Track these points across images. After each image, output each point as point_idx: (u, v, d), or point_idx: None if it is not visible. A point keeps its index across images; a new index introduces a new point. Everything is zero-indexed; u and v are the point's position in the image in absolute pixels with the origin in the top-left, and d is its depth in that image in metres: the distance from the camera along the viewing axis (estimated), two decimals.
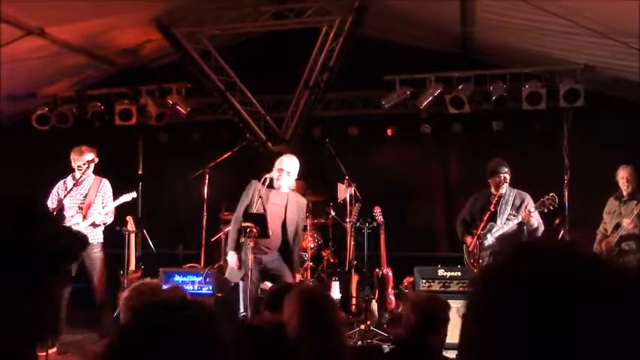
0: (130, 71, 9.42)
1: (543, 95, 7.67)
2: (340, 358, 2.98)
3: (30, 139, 9.16)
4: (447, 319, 3.44)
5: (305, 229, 6.43)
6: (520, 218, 6.19)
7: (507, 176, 6.37)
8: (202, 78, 8.35)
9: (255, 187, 5.97)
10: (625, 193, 6.72)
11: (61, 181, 6.71)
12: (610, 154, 7.44)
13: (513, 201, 6.34)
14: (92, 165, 6.62)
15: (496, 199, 6.31)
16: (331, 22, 7.79)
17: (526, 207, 6.27)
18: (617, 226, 6.63)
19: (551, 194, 6.18)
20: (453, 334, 5.51)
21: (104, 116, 8.93)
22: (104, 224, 6.71)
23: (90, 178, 6.68)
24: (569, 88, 7.56)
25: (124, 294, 3.55)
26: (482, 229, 6.31)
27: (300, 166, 6.16)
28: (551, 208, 6.22)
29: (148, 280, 4.06)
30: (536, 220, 6.19)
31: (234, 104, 8.44)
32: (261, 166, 6.68)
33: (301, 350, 2.88)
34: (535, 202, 6.28)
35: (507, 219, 6.28)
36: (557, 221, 7.40)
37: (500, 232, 6.26)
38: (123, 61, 9.17)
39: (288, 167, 6.00)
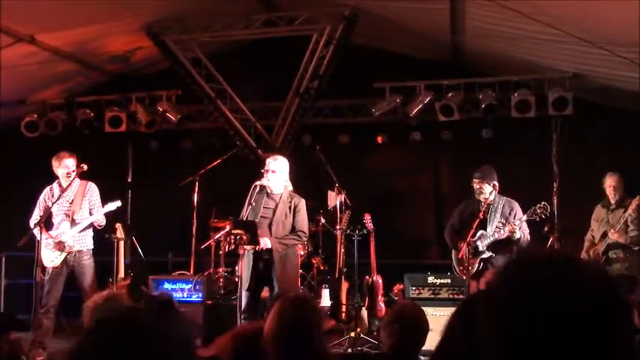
0: (120, 78, 9.40)
1: (532, 103, 7.72)
2: None
3: (19, 146, 9.11)
4: (423, 327, 3.46)
5: (303, 232, 6.13)
6: (507, 230, 6.15)
7: (483, 184, 6.30)
8: (192, 85, 8.34)
9: (249, 193, 6.02)
10: (612, 201, 6.76)
11: (48, 188, 6.62)
12: (598, 162, 7.50)
13: (502, 209, 6.32)
14: (74, 171, 6.52)
15: (485, 206, 6.29)
16: (321, 30, 7.82)
17: (514, 216, 6.26)
18: (605, 234, 6.65)
19: (542, 203, 6.17)
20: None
21: (94, 123, 8.89)
22: (99, 227, 6.63)
23: (75, 183, 6.57)
24: (557, 96, 7.62)
25: (89, 303, 3.53)
26: (472, 237, 6.24)
27: (291, 173, 6.17)
28: (543, 217, 6.21)
29: (113, 291, 4.02)
30: (520, 232, 6.16)
31: (225, 112, 8.43)
32: (250, 173, 6.68)
33: (269, 355, 2.86)
34: (525, 210, 6.29)
35: (497, 227, 6.26)
36: (546, 229, 7.42)
37: (490, 240, 6.24)
38: (113, 68, 9.15)
39: (271, 166, 6.03)
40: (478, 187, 6.36)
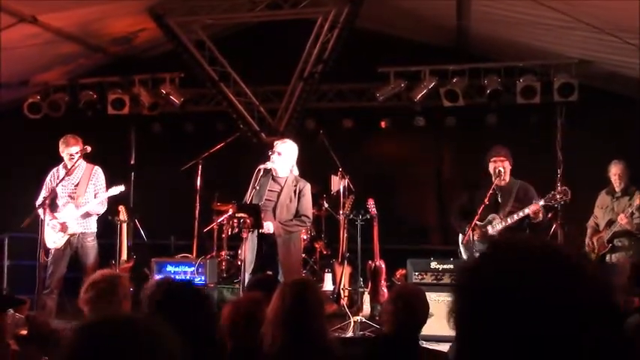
0: (122, 60, 9.35)
1: (538, 89, 7.68)
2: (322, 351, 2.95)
3: (21, 127, 9.09)
4: (423, 307, 3.45)
5: (307, 217, 6.10)
6: (528, 211, 5.76)
7: (504, 162, 6.01)
8: (196, 68, 8.29)
9: (253, 177, 6.02)
10: (617, 189, 6.72)
11: (54, 169, 6.66)
12: (603, 149, 7.46)
13: (517, 193, 6.00)
14: (78, 155, 6.54)
15: (495, 189, 5.94)
16: (326, 13, 7.75)
17: (529, 198, 5.94)
18: (610, 222, 6.61)
19: (562, 187, 5.81)
20: (444, 327, 5.53)
21: (96, 105, 8.86)
22: (97, 214, 6.67)
23: (81, 166, 6.61)
24: (563, 83, 7.57)
25: (89, 280, 3.53)
26: (482, 221, 5.94)
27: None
28: (562, 203, 5.82)
29: (107, 271, 4.01)
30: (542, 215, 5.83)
31: (228, 95, 8.39)
32: (254, 157, 6.66)
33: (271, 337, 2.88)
34: (542, 195, 5.99)
35: (509, 211, 5.94)
36: (549, 215, 7.40)
37: (502, 225, 5.94)
38: (116, 49, 9.10)
39: (278, 148, 6.02)
40: (501, 166, 5.99)
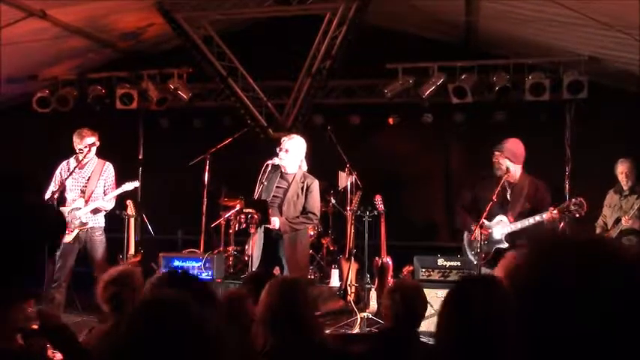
0: (131, 55, 9.37)
1: (547, 86, 7.64)
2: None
3: (30, 121, 9.12)
4: (420, 300, 3.45)
5: (314, 214, 6.07)
6: (541, 219, 5.42)
7: (499, 157, 5.75)
8: (204, 63, 8.30)
9: (262, 172, 6.03)
10: (625, 188, 6.71)
11: (64, 162, 6.71)
12: (612, 147, 7.43)
13: (528, 191, 5.69)
14: (94, 148, 6.61)
15: (503, 186, 5.62)
16: (334, 9, 7.74)
17: (542, 199, 5.66)
18: (618, 220, 6.61)
19: (579, 199, 5.42)
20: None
21: (105, 100, 8.89)
22: (105, 210, 6.70)
23: (93, 161, 6.67)
24: (572, 80, 7.53)
25: (104, 277, 3.59)
26: (490, 219, 5.64)
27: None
28: (577, 215, 5.42)
29: (129, 267, 4.06)
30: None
31: (236, 90, 8.40)
32: (261, 152, 6.67)
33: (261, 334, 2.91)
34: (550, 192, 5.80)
35: (520, 212, 5.61)
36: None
37: (511, 228, 5.60)
38: (124, 45, 9.12)
39: (285, 145, 6.02)
40: (497, 162, 5.77)
